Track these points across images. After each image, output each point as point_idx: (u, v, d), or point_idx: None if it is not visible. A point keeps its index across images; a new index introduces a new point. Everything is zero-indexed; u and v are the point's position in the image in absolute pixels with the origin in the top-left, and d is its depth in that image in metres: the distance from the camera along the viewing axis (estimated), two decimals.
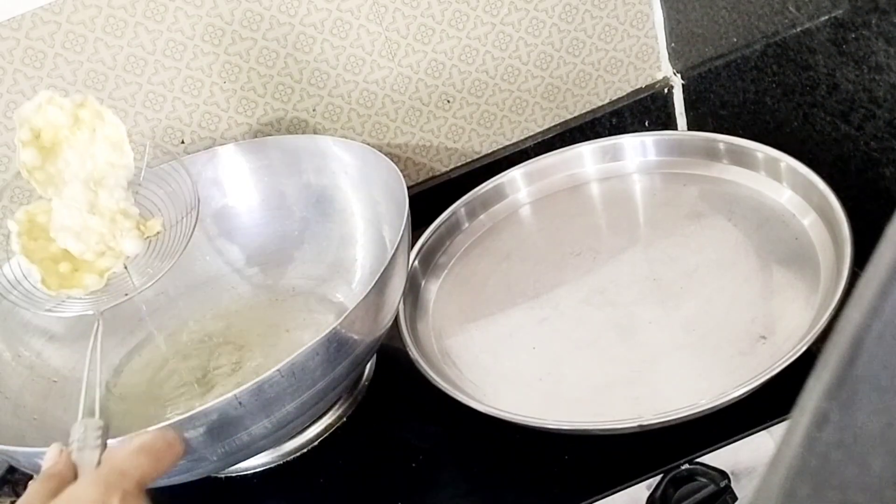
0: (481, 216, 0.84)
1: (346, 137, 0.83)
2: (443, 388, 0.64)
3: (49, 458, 0.46)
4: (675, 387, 0.62)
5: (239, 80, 0.80)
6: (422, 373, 0.66)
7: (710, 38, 0.79)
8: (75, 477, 0.45)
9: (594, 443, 0.62)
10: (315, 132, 0.84)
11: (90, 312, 0.58)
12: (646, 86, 0.90)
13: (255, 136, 0.83)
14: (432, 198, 0.84)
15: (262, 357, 0.73)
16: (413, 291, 0.76)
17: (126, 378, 0.75)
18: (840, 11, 0.61)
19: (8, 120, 0.77)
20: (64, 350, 0.75)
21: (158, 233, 0.62)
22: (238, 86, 0.80)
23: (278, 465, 0.68)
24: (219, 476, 0.68)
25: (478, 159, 0.90)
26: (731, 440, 0.59)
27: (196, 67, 0.79)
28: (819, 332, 0.58)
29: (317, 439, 0.69)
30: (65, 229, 0.59)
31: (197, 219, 0.63)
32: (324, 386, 0.59)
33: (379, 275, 0.60)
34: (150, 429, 0.49)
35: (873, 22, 0.58)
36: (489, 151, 0.90)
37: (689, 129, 0.91)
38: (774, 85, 0.73)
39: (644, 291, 0.70)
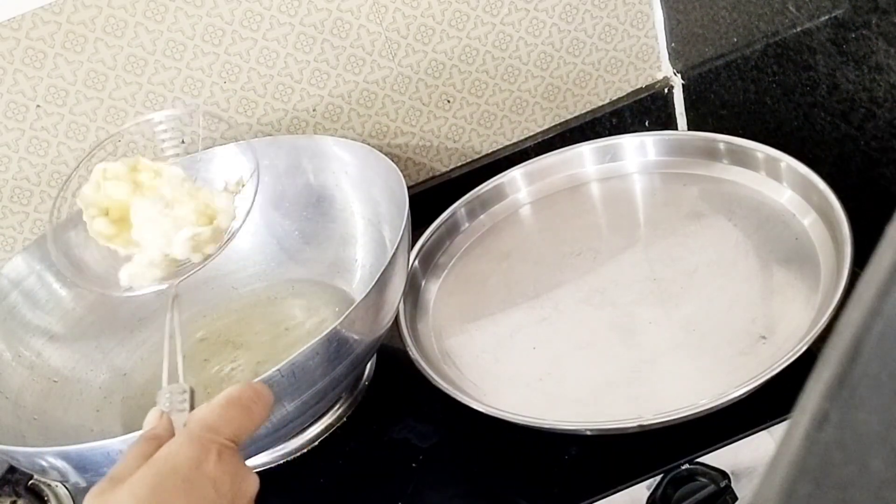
0: (481, 216, 0.84)
1: (346, 137, 0.83)
2: (443, 388, 0.64)
3: (149, 421, 0.46)
4: (675, 387, 0.62)
5: (239, 80, 0.80)
6: (422, 373, 0.66)
7: (710, 38, 0.79)
8: None
9: (594, 443, 0.62)
10: (315, 132, 0.84)
11: (165, 286, 0.57)
12: (646, 86, 0.90)
13: (255, 136, 0.83)
14: (432, 198, 0.84)
15: (262, 357, 0.73)
16: (413, 291, 0.76)
17: (127, 378, 0.75)
18: (840, 11, 0.61)
19: (8, 120, 0.77)
20: (64, 350, 0.75)
21: (242, 186, 0.62)
22: (238, 86, 0.80)
23: (278, 465, 0.68)
24: None
25: (478, 159, 0.90)
26: (731, 440, 0.59)
27: (196, 67, 0.79)
28: (819, 332, 0.58)
29: (317, 439, 0.69)
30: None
31: (258, 180, 0.62)
32: (324, 386, 0.59)
33: (379, 275, 0.60)
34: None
35: (873, 22, 0.58)
36: (489, 151, 0.90)
37: (689, 129, 0.91)
38: (774, 85, 0.73)
39: (644, 291, 0.70)
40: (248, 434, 0.44)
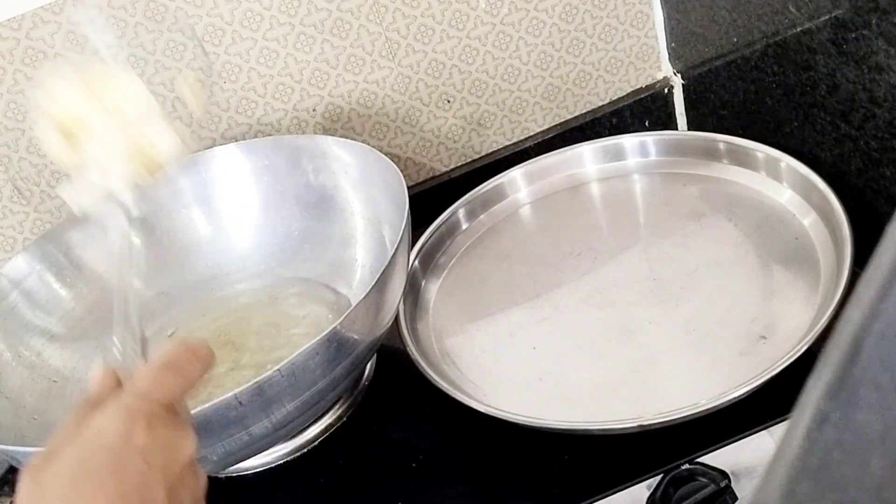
0: (481, 216, 0.84)
1: (346, 137, 0.83)
2: (443, 388, 0.64)
3: (93, 378, 0.44)
4: (675, 387, 0.62)
5: (239, 80, 0.80)
6: (422, 373, 0.66)
7: (710, 38, 0.79)
8: None
9: (594, 443, 0.62)
10: (315, 132, 0.84)
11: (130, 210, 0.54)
12: (646, 86, 0.90)
13: (255, 136, 0.83)
14: (432, 198, 0.84)
15: (263, 357, 0.73)
16: (413, 291, 0.76)
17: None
18: (840, 11, 0.61)
19: (8, 120, 0.77)
20: (64, 350, 0.75)
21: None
22: (238, 86, 0.80)
23: (278, 465, 0.68)
24: (219, 476, 0.68)
25: (478, 159, 0.90)
26: (731, 440, 0.59)
27: (196, 67, 0.79)
28: (819, 332, 0.58)
29: (317, 439, 0.69)
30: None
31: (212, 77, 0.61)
32: (324, 386, 0.59)
33: (379, 275, 0.60)
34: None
35: (873, 22, 0.58)
36: (489, 151, 0.90)
37: (689, 129, 0.91)
38: (774, 85, 0.73)
39: (644, 291, 0.70)
40: (182, 390, 0.43)
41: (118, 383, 0.44)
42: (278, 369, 0.54)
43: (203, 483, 0.43)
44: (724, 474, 0.58)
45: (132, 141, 0.55)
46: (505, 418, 0.61)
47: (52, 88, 0.55)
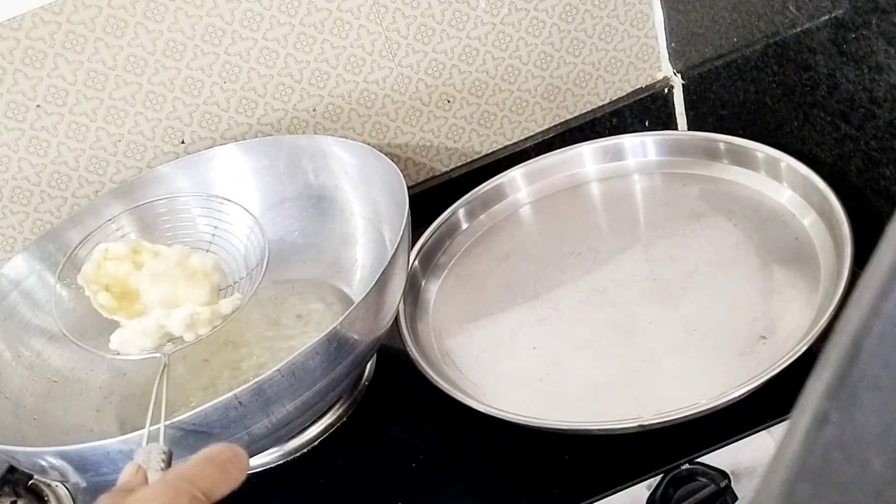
0: (481, 216, 0.84)
1: (346, 137, 0.83)
2: (443, 388, 0.64)
3: (124, 474, 0.46)
4: (675, 387, 0.62)
5: (239, 80, 0.80)
6: (422, 373, 0.66)
7: (710, 38, 0.79)
8: None
9: (594, 443, 0.62)
10: (315, 132, 0.84)
11: (157, 355, 0.61)
12: (646, 86, 0.90)
13: (256, 136, 0.83)
14: (432, 198, 0.84)
15: (262, 357, 0.73)
16: (413, 291, 0.76)
17: (127, 379, 0.75)
18: (840, 11, 0.61)
19: (8, 120, 0.77)
20: (64, 350, 0.75)
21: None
22: (238, 86, 0.80)
23: (278, 465, 0.68)
24: None
25: (478, 159, 0.90)
26: (731, 440, 0.59)
27: (196, 67, 0.79)
28: (819, 332, 0.58)
29: (317, 439, 0.69)
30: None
31: (265, 270, 0.66)
32: (324, 386, 0.59)
33: (379, 275, 0.60)
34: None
35: (873, 22, 0.58)
36: (489, 151, 0.90)
37: (689, 129, 0.91)
38: (774, 85, 0.73)
39: (644, 291, 0.70)
40: (220, 492, 0.44)
41: (146, 480, 0.46)
42: (278, 369, 0.54)
43: None
44: (724, 474, 0.58)
45: (171, 301, 0.63)
46: (505, 418, 0.61)
47: (102, 262, 0.64)
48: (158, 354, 0.61)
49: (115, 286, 0.64)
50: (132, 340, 0.62)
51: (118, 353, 0.63)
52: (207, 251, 0.68)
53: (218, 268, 0.66)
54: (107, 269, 0.64)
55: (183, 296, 0.63)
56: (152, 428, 0.52)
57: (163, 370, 0.58)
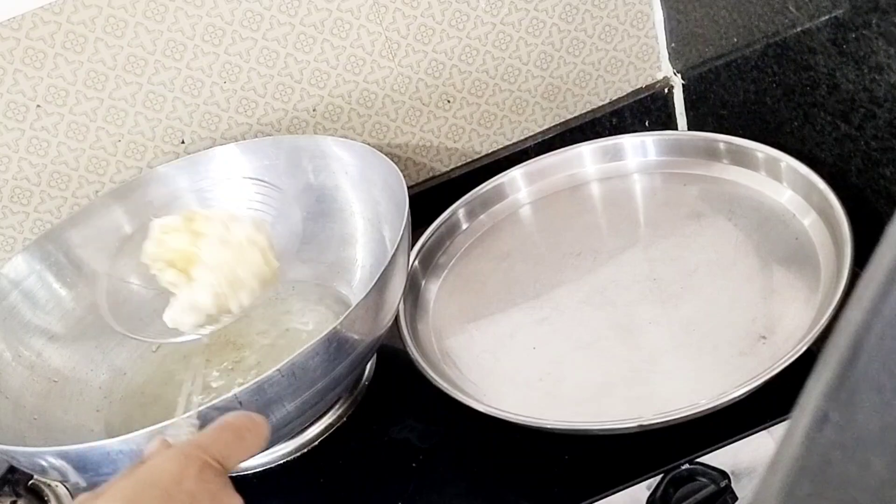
0: (481, 216, 0.84)
1: (347, 137, 0.83)
2: (443, 388, 0.64)
3: (149, 448, 0.46)
4: (675, 387, 0.62)
5: (239, 80, 0.80)
6: (422, 373, 0.66)
7: (710, 38, 0.79)
8: None
9: (594, 443, 0.62)
10: (315, 132, 0.84)
11: (199, 337, 0.61)
12: (646, 86, 0.90)
13: (256, 136, 0.83)
14: (432, 198, 0.84)
15: (262, 356, 0.73)
16: (413, 291, 0.76)
17: (127, 379, 0.75)
18: (840, 11, 0.61)
19: (8, 120, 0.77)
20: (64, 350, 0.75)
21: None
22: (238, 86, 0.80)
23: (278, 465, 0.68)
24: None
25: (478, 159, 0.90)
26: (731, 440, 0.59)
27: (196, 67, 0.79)
28: (819, 332, 0.58)
29: (317, 439, 0.69)
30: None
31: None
32: (324, 386, 0.59)
33: (379, 275, 0.60)
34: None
35: (873, 22, 0.58)
36: (489, 151, 0.90)
37: (689, 129, 0.91)
38: (774, 85, 0.73)
39: (644, 291, 0.70)
40: (237, 459, 0.44)
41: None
42: (278, 369, 0.54)
43: None
44: (724, 474, 0.58)
45: (231, 272, 0.60)
46: (505, 418, 0.61)
47: (161, 237, 0.60)
48: (200, 336, 0.60)
49: (179, 261, 0.61)
50: (181, 318, 0.60)
51: (163, 338, 0.61)
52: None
53: (264, 228, 0.63)
54: (167, 243, 0.60)
55: (238, 261, 0.60)
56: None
57: (204, 349, 0.58)
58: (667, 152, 0.82)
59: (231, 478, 0.68)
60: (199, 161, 0.80)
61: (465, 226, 0.83)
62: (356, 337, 0.60)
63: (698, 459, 0.59)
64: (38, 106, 0.77)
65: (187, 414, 0.50)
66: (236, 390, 0.53)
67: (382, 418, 0.70)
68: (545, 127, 0.90)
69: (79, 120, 0.78)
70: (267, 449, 0.64)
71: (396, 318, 0.69)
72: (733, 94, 0.80)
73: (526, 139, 0.90)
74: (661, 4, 0.85)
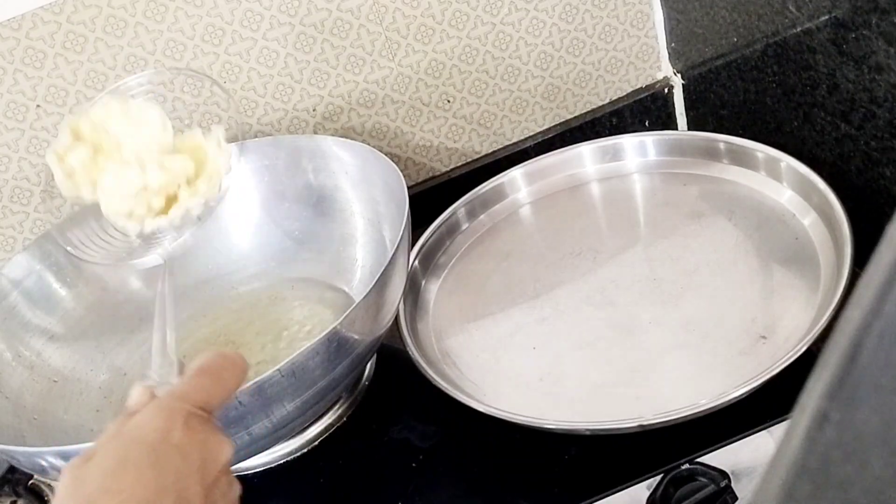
0: (481, 216, 0.84)
1: (346, 137, 0.83)
2: (443, 388, 0.64)
3: (132, 397, 0.45)
4: (675, 387, 0.62)
5: (239, 80, 0.80)
6: (422, 373, 0.66)
7: (710, 38, 0.79)
8: None
9: (594, 443, 0.62)
10: (315, 132, 0.84)
11: (160, 261, 0.59)
12: (646, 86, 0.90)
13: (255, 136, 0.83)
14: (432, 198, 0.84)
15: (262, 357, 0.73)
16: (413, 291, 0.76)
17: (127, 379, 0.75)
18: (840, 11, 0.61)
19: (8, 120, 0.77)
20: (64, 350, 0.75)
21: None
22: (238, 86, 0.80)
23: (278, 465, 0.68)
24: None
25: (478, 159, 0.90)
26: (731, 440, 0.59)
27: (196, 67, 0.79)
28: (819, 332, 0.58)
29: (317, 439, 0.69)
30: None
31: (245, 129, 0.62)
32: (324, 386, 0.59)
33: (379, 275, 0.60)
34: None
35: (873, 22, 0.58)
36: (489, 151, 0.90)
37: (689, 129, 0.91)
38: (774, 85, 0.73)
39: (644, 291, 0.70)
40: (219, 400, 0.44)
41: (154, 398, 0.45)
42: (278, 369, 0.54)
43: (237, 491, 0.44)
44: (724, 474, 0.58)
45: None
46: (505, 418, 0.61)
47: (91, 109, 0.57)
48: (159, 260, 0.58)
49: (88, 133, 0.58)
50: (117, 201, 0.57)
51: (129, 256, 0.59)
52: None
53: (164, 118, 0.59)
54: (70, 162, 0.57)
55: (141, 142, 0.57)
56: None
57: (164, 275, 0.56)
58: (667, 152, 0.82)
59: None
60: None
61: (465, 226, 0.83)
62: (356, 337, 0.60)
63: (698, 459, 0.59)
64: (38, 106, 0.77)
65: (163, 361, 0.49)
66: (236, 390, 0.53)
67: (382, 418, 0.70)
68: (545, 127, 0.90)
69: None
70: (268, 448, 0.64)
71: (396, 318, 0.69)
72: (733, 94, 0.80)
73: (526, 139, 0.90)
74: (661, 4, 0.85)
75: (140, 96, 0.62)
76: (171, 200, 0.58)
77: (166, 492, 0.39)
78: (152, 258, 0.60)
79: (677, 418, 0.57)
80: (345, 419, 0.70)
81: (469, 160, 0.90)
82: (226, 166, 0.59)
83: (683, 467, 0.58)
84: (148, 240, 0.60)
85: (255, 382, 0.54)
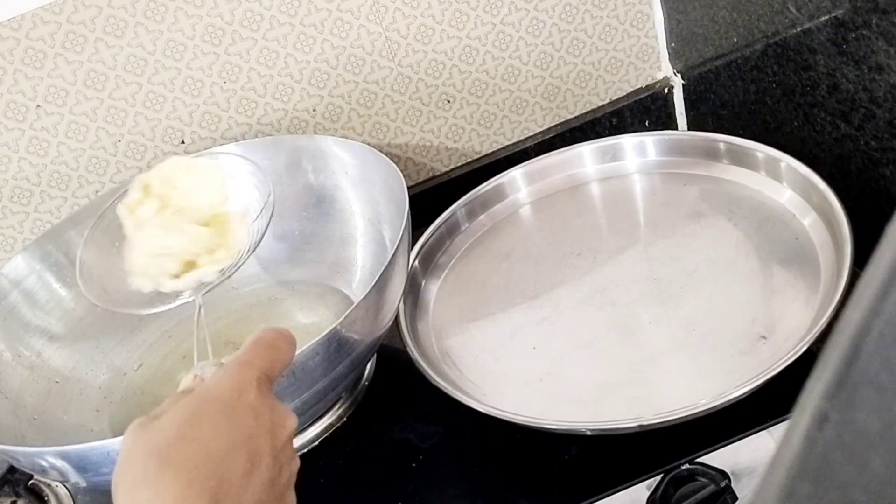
0: (481, 216, 0.84)
1: (346, 137, 0.83)
2: (443, 388, 0.64)
3: (184, 383, 0.47)
4: (675, 387, 0.62)
5: (239, 80, 0.80)
6: (422, 373, 0.66)
7: (710, 38, 0.79)
8: None
9: (594, 443, 0.62)
10: (315, 132, 0.84)
11: (192, 299, 0.60)
12: (646, 86, 0.90)
13: (256, 136, 0.83)
14: (432, 198, 0.84)
15: None
16: (413, 291, 0.76)
17: (127, 379, 0.75)
18: (840, 11, 0.61)
19: (8, 120, 0.77)
20: (64, 350, 0.75)
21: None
22: (238, 86, 0.80)
23: None
24: None
25: (478, 159, 0.90)
26: (731, 440, 0.59)
27: (196, 67, 0.79)
28: (819, 332, 0.58)
29: (317, 439, 0.69)
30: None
31: (273, 211, 0.64)
32: (324, 386, 0.59)
33: (379, 275, 0.60)
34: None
35: (873, 22, 0.58)
36: (489, 151, 0.90)
37: (689, 129, 0.91)
38: (774, 85, 0.73)
39: (644, 291, 0.70)
40: (279, 369, 0.45)
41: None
42: None
43: (297, 466, 0.45)
44: (724, 474, 0.58)
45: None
46: (505, 418, 0.61)
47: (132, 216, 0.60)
48: (193, 299, 0.60)
49: (156, 187, 0.61)
50: (135, 257, 0.59)
51: (151, 308, 0.61)
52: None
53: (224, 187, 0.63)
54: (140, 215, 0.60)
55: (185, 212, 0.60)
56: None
57: (198, 312, 0.59)
58: (667, 152, 0.82)
59: None
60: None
61: (465, 226, 0.83)
62: (356, 337, 0.60)
63: (698, 459, 0.59)
64: (38, 106, 0.77)
65: (207, 362, 0.50)
66: None
67: (382, 418, 0.70)
68: (545, 127, 0.90)
69: (79, 120, 0.78)
70: None
71: (396, 318, 0.69)
72: (733, 94, 0.80)
73: (526, 139, 0.90)
74: (661, 4, 0.85)
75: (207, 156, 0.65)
76: (189, 264, 0.61)
77: (238, 448, 0.39)
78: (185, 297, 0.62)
79: (677, 418, 0.57)
80: (345, 419, 0.70)
81: (469, 160, 0.90)
82: (249, 244, 0.62)
83: (683, 467, 0.58)
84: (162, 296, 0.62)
85: None
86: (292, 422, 0.44)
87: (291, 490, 0.44)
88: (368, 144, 0.76)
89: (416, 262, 0.78)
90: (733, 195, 0.76)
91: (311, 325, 0.75)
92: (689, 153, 0.81)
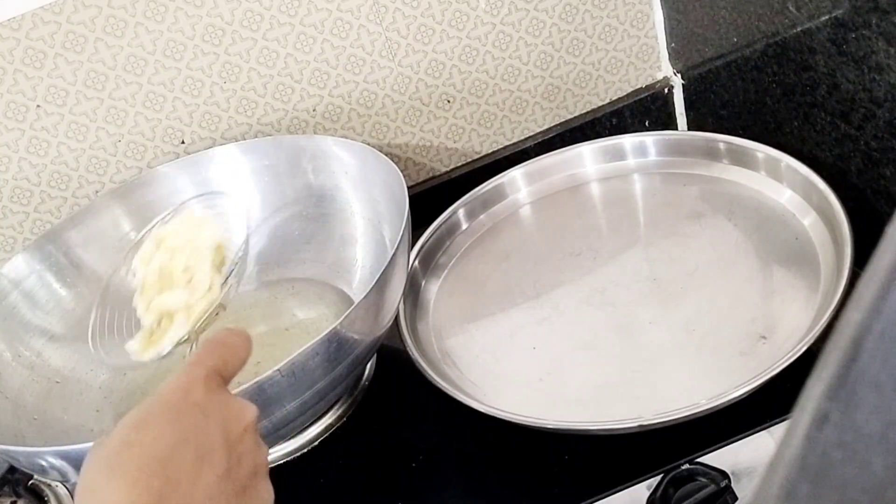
0: (481, 216, 0.84)
1: (347, 137, 0.83)
2: (443, 388, 0.64)
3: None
4: (675, 387, 0.62)
5: (239, 80, 0.80)
6: (422, 373, 0.66)
7: (710, 38, 0.79)
8: None
9: (594, 443, 0.62)
10: (315, 132, 0.84)
11: (186, 337, 0.61)
12: (646, 86, 0.90)
13: (256, 136, 0.83)
14: (432, 198, 0.84)
15: (262, 357, 0.73)
16: (413, 291, 0.76)
17: (127, 379, 0.75)
18: (840, 11, 0.61)
19: (8, 120, 0.77)
20: (64, 350, 0.75)
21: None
22: (238, 86, 0.80)
23: (278, 465, 0.68)
24: None
25: (478, 159, 0.90)
26: (731, 440, 0.59)
27: (196, 67, 0.79)
28: (819, 332, 0.58)
29: (317, 439, 0.69)
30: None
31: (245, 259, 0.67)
32: (324, 386, 0.59)
33: (379, 275, 0.60)
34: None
35: (873, 22, 0.58)
36: (489, 151, 0.90)
37: (689, 129, 0.91)
38: (774, 85, 0.73)
39: (644, 291, 0.70)
40: (234, 365, 0.45)
41: None
42: (278, 369, 0.54)
43: (266, 453, 0.45)
44: (724, 474, 0.58)
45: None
46: (505, 418, 0.61)
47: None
48: (186, 335, 0.61)
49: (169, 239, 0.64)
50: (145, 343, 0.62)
51: (157, 355, 0.62)
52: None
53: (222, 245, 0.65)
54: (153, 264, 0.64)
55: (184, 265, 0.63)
56: None
57: (191, 348, 0.60)
58: (667, 152, 0.82)
59: None
60: (199, 161, 0.80)
61: (465, 226, 0.83)
62: (356, 337, 0.60)
63: (698, 459, 0.59)
64: (38, 106, 0.77)
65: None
66: (236, 390, 0.53)
67: (382, 418, 0.70)
68: (545, 127, 0.90)
69: (79, 120, 0.78)
70: (268, 448, 0.64)
71: (396, 318, 0.69)
72: (733, 94, 0.80)
73: (526, 139, 0.90)
74: (661, 4, 0.85)
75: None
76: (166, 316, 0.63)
77: (184, 445, 0.40)
78: None
79: (677, 418, 0.57)
80: (345, 419, 0.70)
81: (469, 160, 0.90)
82: (217, 307, 0.63)
83: (683, 467, 0.58)
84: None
85: (255, 382, 0.54)
86: (250, 413, 0.44)
87: (261, 479, 0.45)
88: (368, 144, 0.76)
89: (416, 262, 0.78)
90: (733, 195, 0.76)
91: (310, 325, 0.75)
92: (689, 153, 0.81)
